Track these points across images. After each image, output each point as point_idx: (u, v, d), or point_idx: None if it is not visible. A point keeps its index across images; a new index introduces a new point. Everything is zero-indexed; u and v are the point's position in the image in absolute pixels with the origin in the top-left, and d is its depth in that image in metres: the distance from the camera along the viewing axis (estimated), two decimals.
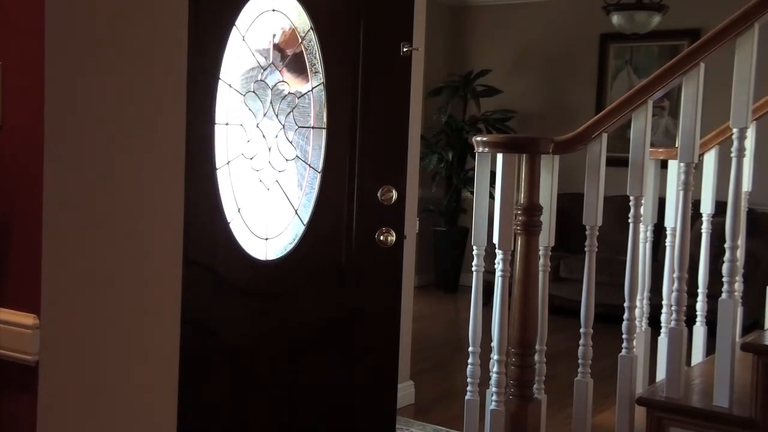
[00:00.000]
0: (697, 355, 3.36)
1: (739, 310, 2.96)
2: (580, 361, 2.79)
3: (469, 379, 2.82)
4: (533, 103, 8.00)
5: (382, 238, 2.80)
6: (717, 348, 2.63)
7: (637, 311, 2.87)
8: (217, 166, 2.53)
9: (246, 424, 2.67)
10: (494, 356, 2.73)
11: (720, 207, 3.09)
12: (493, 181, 2.75)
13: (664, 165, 3.32)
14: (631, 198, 2.78)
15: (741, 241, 2.85)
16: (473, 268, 2.78)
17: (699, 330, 3.36)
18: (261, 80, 2.66)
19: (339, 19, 2.78)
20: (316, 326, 2.81)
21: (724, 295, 2.65)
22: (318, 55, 2.74)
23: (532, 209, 2.65)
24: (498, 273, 2.71)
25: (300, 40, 2.74)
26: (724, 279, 2.66)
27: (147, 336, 1.85)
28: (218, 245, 2.55)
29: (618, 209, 4.31)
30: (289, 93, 2.73)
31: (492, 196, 2.75)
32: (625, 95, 2.80)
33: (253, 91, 2.64)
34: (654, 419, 2.71)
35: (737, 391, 2.65)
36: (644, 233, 3.12)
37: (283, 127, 2.71)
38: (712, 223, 3.35)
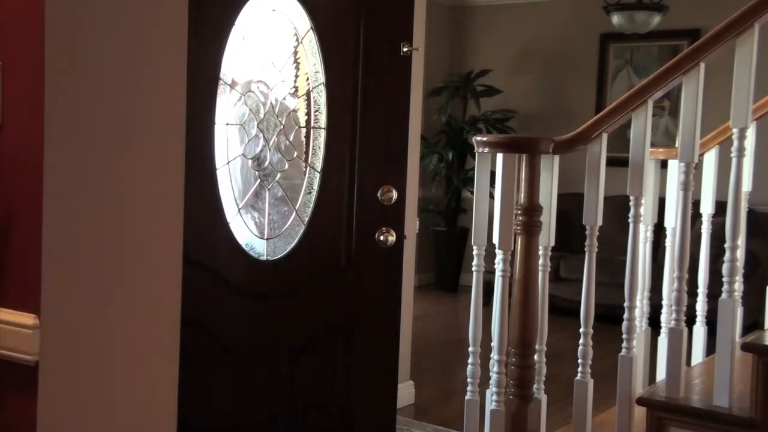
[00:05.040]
0: (697, 355, 3.36)
1: (739, 310, 2.96)
2: (580, 361, 2.79)
3: (469, 379, 2.82)
4: (533, 103, 7.99)
5: (382, 238, 2.80)
6: (717, 348, 2.62)
7: (637, 311, 2.87)
8: (217, 166, 2.53)
9: (246, 423, 2.67)
10: (494, 356, 2.72)
11: (720, 207, 3.08)
12: (493, 181, 2.75)
13: (664, 165, 3.32)
14: (631, 198, 2.78)
15: (741, 241, 2.85)
16: (473, 268, 2.78)
17: (699, 330, 3.36)
18: (261, 80, 2.66)
19: (339, 19, 2.78)
20: (316, 326, 2.81)
21: (724, 295, 2.65)
22: (318, 55, 2.74)
23: (532, 209, 2.65)
24: (498, 273, 2.71)
25: (300, 40, 2.74)
26: (724, 279, 2.66)
27: (147, 336, 1.85)
28: (218, 245, 2.56)
29: (618, 209, 4.30)
30: (289, 93, 2.73)
31: (492, 196, 2.75)
32: (625, 95, 2.80)
33: (253, 91, 2.64)
34: (654, 419, 2.71)
35: (737, 391, 2.64)
36: (644, 233, 3.12)
37: (283, 127, 2.71)
38: (712, 223, 3.35)
